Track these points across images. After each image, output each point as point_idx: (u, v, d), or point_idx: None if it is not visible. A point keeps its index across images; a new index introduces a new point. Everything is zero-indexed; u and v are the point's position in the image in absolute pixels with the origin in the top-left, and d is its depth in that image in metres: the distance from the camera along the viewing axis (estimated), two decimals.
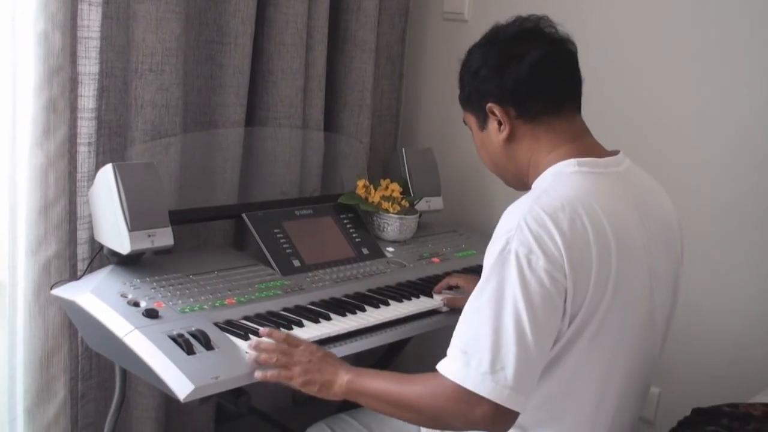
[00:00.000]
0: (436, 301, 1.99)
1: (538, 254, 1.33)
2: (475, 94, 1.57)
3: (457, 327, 1.40)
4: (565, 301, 1.36)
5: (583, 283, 1.36)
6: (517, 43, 1.54)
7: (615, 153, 1.56)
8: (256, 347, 1.59)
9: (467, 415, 1.35)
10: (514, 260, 1.34)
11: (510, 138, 1.54)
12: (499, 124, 1.54)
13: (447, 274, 2.14)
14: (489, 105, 1.54)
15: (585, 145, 1.53)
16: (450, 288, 2.05)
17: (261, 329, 1.66)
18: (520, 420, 1.37)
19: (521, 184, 1.59)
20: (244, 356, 1.59)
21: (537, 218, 1.36)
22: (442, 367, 1.38)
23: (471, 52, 1.61)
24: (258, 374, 1.57)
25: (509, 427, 1.37)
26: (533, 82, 1.51)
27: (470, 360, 1.34)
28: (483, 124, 1.58)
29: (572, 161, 1.48)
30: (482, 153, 1.64)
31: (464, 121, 1.67)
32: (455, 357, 1.36)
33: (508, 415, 1.34)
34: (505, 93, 1.52)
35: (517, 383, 1.32)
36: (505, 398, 1.32)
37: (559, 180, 1.47)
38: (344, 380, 1.53)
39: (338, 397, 1.54)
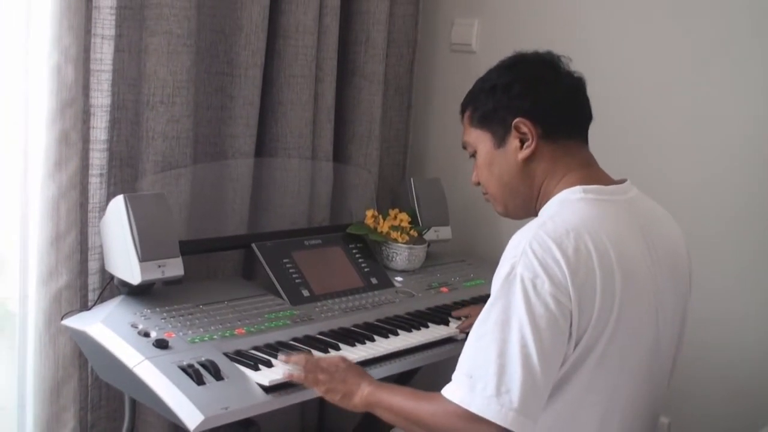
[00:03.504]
0: (446, 330, 1.99)
1: (543, 278, 1.34)
2: (502, 109, 1.57)
3: (463, 351, 1.41)
4: (570, 325, 1.37)
5: (587, 308, 1.37)
6: (547, 67, 1.59)
7: (622, 181, 1.57)
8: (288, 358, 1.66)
9: None
10: (520, 284, 1.35)
11: (531, 157, 1.56)
12: (522, 142, 1.55)
13: (455, 303, 2.14)
14: (518, 120, 1.54)
15: (592, 173, 1.56)
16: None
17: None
18: None
19: (526, 208, 1.60)
20: (254, 386, 1.60)
21: (542, 244, 1.37)
22: (447, 392, 1.39)
23: (495, 71, 1.62)
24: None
25: None
26: (565, 104, 1.56)
27: (476, 384, 1.35)
28: (501, 141, 1.58)
29: (578, 188, 1.50)
30: (488, 173, 1.62)
31: (464, 146, 1.67)
32: (461, 381, 1.38)
33: None
34: (540, 110, 1.54)
35: (522, 406, 1.32)
36: (510, 421, 1.32)
37: (565, 207, 1.48)
38: (365, 392, 1.55)
39: (358, 408, 1.56)
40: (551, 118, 1.55)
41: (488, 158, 1.62)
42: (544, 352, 1.33)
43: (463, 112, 1.68)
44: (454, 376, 1.40)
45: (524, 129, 1.54)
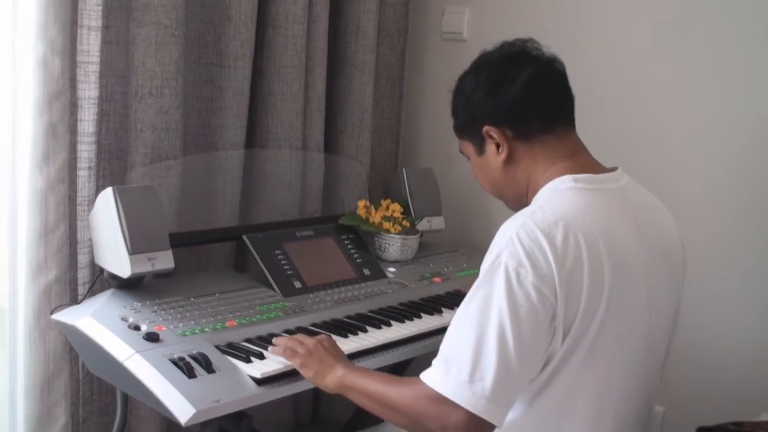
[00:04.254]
0: (439, 320, 1.99)
1: (527, 268, 1.34)
2: (470, 119, 1.59)
3: (444, 336, 1.41)
4: (554, 318, 1.36)
5: (574, 298, 1.37)
6: (506, 65, 1.57)
7: (613, 170, 1.56)
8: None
9: (443, 422, 1.36)
10: (503, 273, 1.35)
11: (508, 159, 1.56)
12: (497, 146, 1.56)
13: (449, 294, 2.14)
14: (486, 128, 1.55)
15: (581, 162, 1.54)
16: None
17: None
18: None
19: (521, 203, 1.59)
20: (246, 379, 1.59)
21: (530, 233, 1.37)
22: (424, 376, 1.39)
23: (461, 79, 1.63)
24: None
25: None
26: (527, 101, 1.53)
27: (451, 368, 1.35)
28: (480, 148, 1.60)
29: (568, 177, 1.49)
30: (482, 179, 1.65)
31: (461, 151, 1.68)
32: (438, 365, 1.38)
33: (483, 426, 1.34)
34: (501, 114, 1.54)
35: (494, 394, 1.32)
36: (481, 408, 1.32)
37: (555, 196, 1.47)
38: (339, 374, 1.57)
39: (330, 388, 1.58)
40: (517, 119, 1.54)
41: (476, 164, 1.64)
42: (522, 342, 1.33)
43: None
44: (434, 360, 1.40)
45: (493, 135, 1.55)
